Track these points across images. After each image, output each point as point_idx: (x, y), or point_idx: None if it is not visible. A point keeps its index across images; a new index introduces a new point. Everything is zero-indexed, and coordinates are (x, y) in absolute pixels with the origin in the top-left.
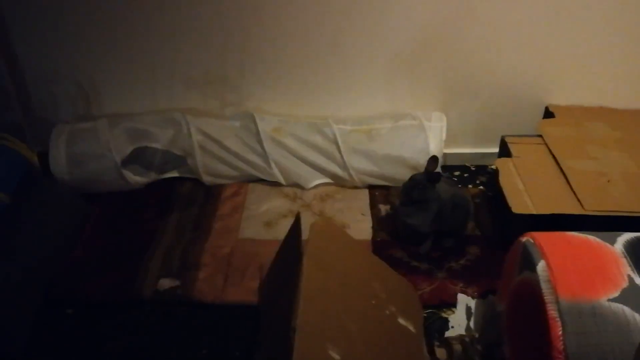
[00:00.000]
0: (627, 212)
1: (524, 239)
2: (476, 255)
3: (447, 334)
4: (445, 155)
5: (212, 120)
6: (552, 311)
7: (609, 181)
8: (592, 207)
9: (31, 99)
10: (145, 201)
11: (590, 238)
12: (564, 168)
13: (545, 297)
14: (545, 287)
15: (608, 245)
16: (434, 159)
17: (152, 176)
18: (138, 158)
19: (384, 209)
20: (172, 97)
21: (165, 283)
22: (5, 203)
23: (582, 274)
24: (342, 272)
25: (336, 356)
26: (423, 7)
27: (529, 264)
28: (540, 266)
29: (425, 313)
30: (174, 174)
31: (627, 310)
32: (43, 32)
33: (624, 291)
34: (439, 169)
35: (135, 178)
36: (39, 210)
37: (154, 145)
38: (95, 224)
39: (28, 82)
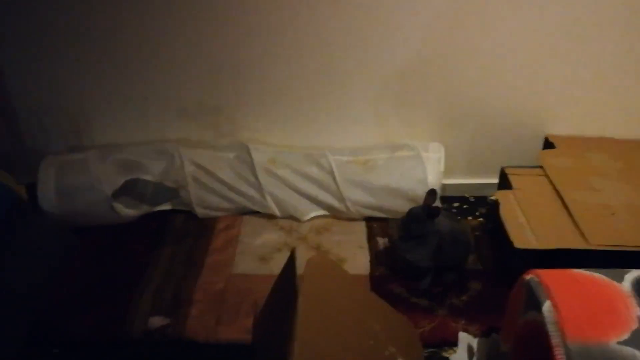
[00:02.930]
0: (633, 246)
1: (527, 277)
2: (478, 290)
3: None
4: (443, 185)
5: (205, 151)
6: (559, 355)
7: (613, 214)
8: (597, 241)
9: (20, 130)
10: (136, 235)
11: (597, 276)
12: (566, 200)
13: (552, 340)
14: (551, 329)
15: (615, 283)
16: (432, 193)
17: (144, 209)
18: (129, 190)
19: (381, 242)
20: (165, 128)
21: (156, 322)
22: None
23: (590, 315)
24: (339, 311)
25: None
26: (421, 37)
27: (534, 304)
28: (546, 307)
29: (426, 352)
30: (167, 206)
31: (638, 354)
32: (33, 62)
33: (634, 333)
34: (437, 202)
35: (127, 211)
36: (25, 245)
37: (145, 177)
38: (84, 259)
39: (17, 112)
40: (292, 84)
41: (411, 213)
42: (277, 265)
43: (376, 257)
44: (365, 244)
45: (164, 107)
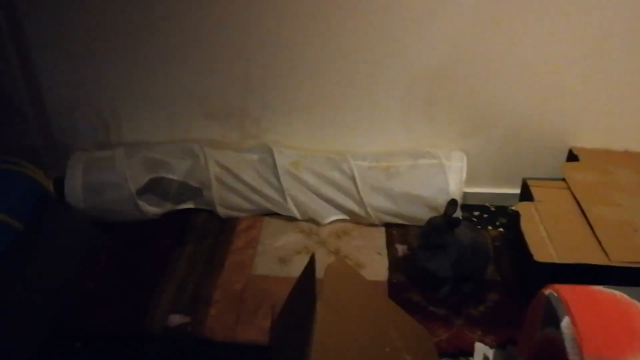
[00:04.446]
0: None
1: (547, 291)
2: (495, 301)
3: None
4: (464, 194)
5: (229, 152)
6: None
7: (636, 231)
8: (618, 258)
9: (51, 125)
10: (159, 232)
11: (617, 294)
12: (588, 215)
13: (569, 357)
14: (569, 346)
15: (635, 302)
16: (453, 203)
17: (168, 207)
18: (154, 188)
19: (401, 248)
20: (192, 128)
21: (176, 319)
22: (19, 230)
23: (609, 333)
24: (357, 317)
25: None
26: (447, 47)
27: (553, 319)
28: (565, 323)
29: None
30: (190, 205)
31: None
32: (66, 59)
33: None
34: (458, 212)
35: (150, 208)
36: (52, 239)
37: (170, 176)
38: (108, 255)
39: (48, 108)
40: (318, 89)
41: (431, 223)
42: (296, 267)
43: (395, 264)
44: (384, 251)
45: (192, 108)
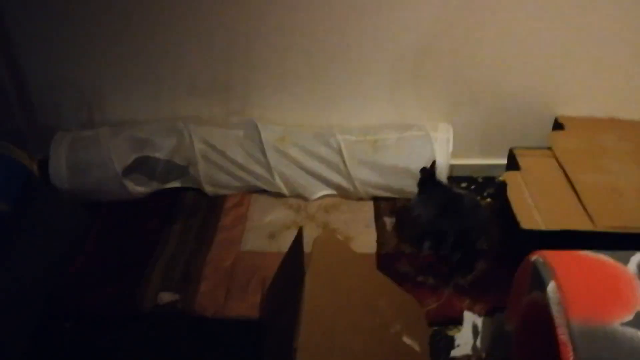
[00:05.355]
0: None
1: (533, 257)
2: (483, 270)
3: (453, 353)
4: (452, 166)
5: (215, 129)
6: (562, 335)
7: (621, 196)
8: (604, 223)
9: (33, 106)
10: (146, 211)
11: (603, 257)
12: (574, 182)
13: (555, 320)
14: (555, 310)
15: (621, 265)
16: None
17: (154, 186)
18: (140, 167)
19: (389, 221)
20: (176, 105)
21: (165, 297)
22: (5, 212)
23: (595, 296)
24: (346, 289)
25: None
26: (429, 17)
27: (539, 284)
28: (551, 287)
29: (431, 331)
30: (176, 184)
31: None
32: (46, 39)
33: (637, 315)
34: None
35: (137, 188)
36: (38, 220)
37: (156, 154)
38: (96, 235)
39: (31, 89)
40: (303, 63)
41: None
42: (285, 243)
43: (383, 236)
44: (372, 223)
45: (176, 85)
